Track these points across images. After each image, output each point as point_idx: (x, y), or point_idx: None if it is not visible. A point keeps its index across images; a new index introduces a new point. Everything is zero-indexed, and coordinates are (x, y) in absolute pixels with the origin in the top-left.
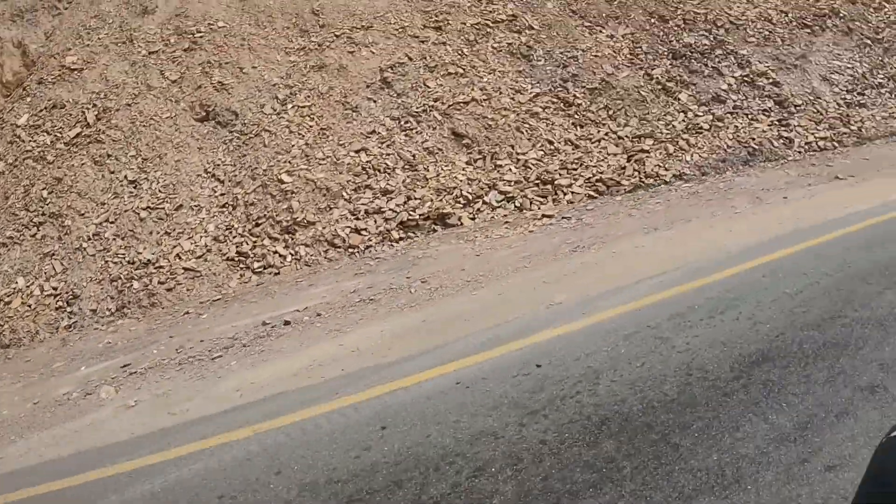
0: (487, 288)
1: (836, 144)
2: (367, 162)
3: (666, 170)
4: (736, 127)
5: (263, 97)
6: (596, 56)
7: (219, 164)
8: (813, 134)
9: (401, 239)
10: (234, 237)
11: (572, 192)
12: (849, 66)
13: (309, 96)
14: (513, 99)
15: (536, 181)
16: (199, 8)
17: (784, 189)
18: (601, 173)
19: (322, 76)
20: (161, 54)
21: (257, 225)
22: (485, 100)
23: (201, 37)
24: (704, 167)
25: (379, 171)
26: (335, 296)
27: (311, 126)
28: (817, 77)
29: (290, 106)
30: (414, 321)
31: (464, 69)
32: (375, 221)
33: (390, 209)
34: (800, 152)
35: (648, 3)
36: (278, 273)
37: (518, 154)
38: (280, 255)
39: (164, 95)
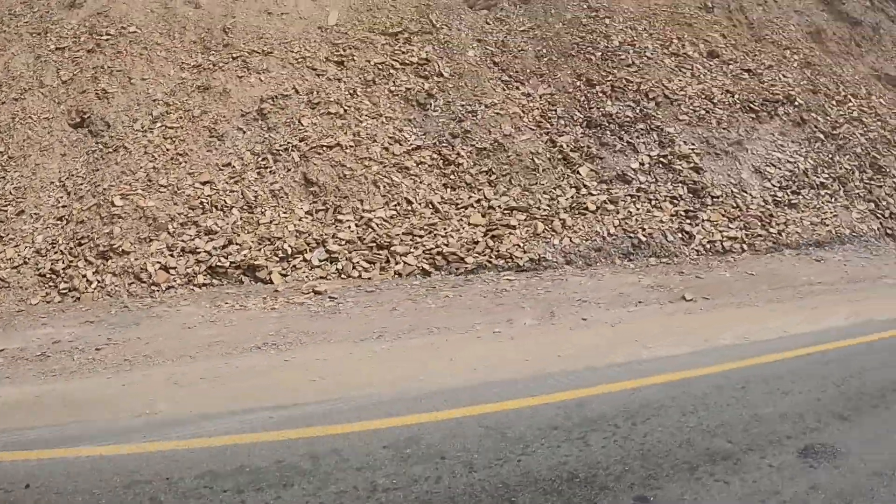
0: (133, 373)
1: (745, 248)
2: (207, 196)
3: (524, 252)
4: (629, 212)
5: (140, 111)
6: (498, 114)
7: (73, 175)
8: (721, 232)
9: (205, 285)
10: (55, 253)
11: (405, 263)
12: (790, 159)
13: (181, 117)
14: (386, 149)
15: (371, 244)
16: (122, 9)
17: (603, 305)
18: (446, 246)
19: (203, 98)
20: (66, 52)
21: (79, 245)
22: (351, 146)
23: (107, 40)
24: (571, 255)
25: (216, 207)
26: (39, 343)
27: (168, 149)
28: (749, 167)
29: (158, 125)
30: (31, 394)
31: (346, 110)
32: (187, 262)
33: (206, 251)
34: (697, 252)
35: (580, 65)
36: (79, 299)
37: (364, 211)
38: (88, 280)
39: (51, 95)
